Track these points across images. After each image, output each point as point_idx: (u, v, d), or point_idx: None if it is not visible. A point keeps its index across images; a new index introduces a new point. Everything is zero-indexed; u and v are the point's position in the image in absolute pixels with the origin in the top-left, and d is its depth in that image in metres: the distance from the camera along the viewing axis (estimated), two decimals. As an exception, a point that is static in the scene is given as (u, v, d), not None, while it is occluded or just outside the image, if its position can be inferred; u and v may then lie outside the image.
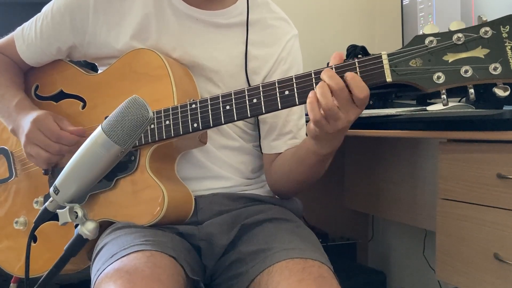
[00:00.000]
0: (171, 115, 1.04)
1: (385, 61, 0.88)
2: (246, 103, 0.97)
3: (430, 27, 0.87)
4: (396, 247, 2.26)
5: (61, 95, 1.22)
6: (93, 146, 0.81)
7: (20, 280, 1.29)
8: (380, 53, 0.89)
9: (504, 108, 1.12)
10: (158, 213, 1.03)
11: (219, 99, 1.00)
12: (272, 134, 1.18)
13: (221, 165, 1.16)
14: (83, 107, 1.19)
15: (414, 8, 1.93)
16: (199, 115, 1.01)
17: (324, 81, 0.89)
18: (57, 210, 0.86)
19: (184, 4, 1.15)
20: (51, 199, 0.86)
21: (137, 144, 1.05)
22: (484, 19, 0.85)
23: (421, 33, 0.88)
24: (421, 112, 1.32)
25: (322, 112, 0.90)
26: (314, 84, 0.92)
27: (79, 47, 1.18)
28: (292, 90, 0.94)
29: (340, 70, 0.90)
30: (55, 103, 1.22)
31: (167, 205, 1.03)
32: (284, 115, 1.17)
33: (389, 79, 0.88)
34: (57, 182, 0.84)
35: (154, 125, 1.05)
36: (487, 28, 0.84)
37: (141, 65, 1.11)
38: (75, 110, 1.19)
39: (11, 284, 1.30)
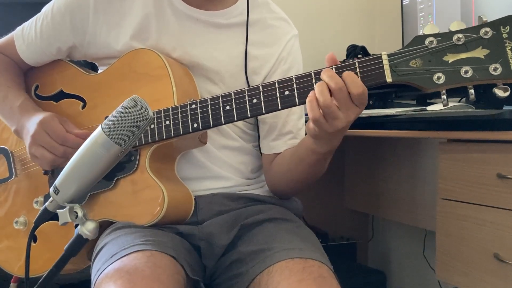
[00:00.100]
0: (171, 115, 1.03)
1: (385, 62, 0.88)
2: (246, 103, 0.97)
3: (430, 28, 0.87)
4: (396, 247, 2.25)
5: (61, 95, 1.22)
6: (93, 146, 0.81)
7: (20, 280, 1.29)
8: (380, 54, 0.89)
9: (504, 108, 1.12)
10: (158, 213, 1.03)
11: (219, 99, 1.00)
12: (272, 134, 1.18)
13: (221, 165, 1.16)
14: (83, 107, 1.18)
15: (414, 8, 1.93)
16: (199, 115, 1.01)
17: (324, 81, 0.89)
18: (57, 210, 0.87)
19: (184, 5, 1.15)
20: (51, 199, 0.86)
21: (137, 144, 1.05)
22: (484, 19, 0.85)
23: (421, 33, 0.88)
24: (421, 112, 1.32)
25: (320, 110, 0.90)
26: (314, 84, 0.91)
27: (79, 47, 1.18)
28: (292, 91, 0.94)
29: (340, 70, 0.90)
30: (55, 103, 1.22)
31: (167, 205, 1.03)
32: (284, 115, 1.17)
33: (389, 79, 0.88)
34: (57, 182, 0.84)
35: (154, 125, 1.04)
36: (487, 29, 0.84)
37: (141, 65, 1.11)
38: (75, 110, 1.19)
39: (11, 284, 1.30)
